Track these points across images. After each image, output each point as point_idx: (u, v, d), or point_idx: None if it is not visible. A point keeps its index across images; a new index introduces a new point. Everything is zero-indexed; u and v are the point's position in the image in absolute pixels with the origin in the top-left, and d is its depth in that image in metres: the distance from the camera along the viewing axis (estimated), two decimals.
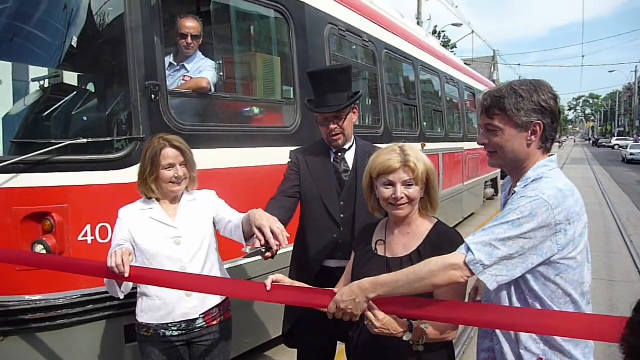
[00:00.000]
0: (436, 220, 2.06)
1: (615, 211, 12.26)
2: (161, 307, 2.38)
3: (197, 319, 2.43)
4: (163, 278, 2.21)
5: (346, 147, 2.81)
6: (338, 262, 2.69)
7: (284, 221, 2.60)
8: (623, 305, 5.58)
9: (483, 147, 1.81)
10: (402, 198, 1.94)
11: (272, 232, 2.04)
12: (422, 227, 2.02)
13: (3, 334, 2.76)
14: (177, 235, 2.39)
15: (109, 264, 2.11)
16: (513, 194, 1.72)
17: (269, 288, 1.90)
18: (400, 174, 1.94)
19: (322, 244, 2.73)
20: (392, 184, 1.95)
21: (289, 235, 2.10)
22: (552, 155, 1.77)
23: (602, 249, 8.32)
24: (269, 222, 2.08)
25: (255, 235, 2.11)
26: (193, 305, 2.40)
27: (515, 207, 1.59)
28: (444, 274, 1.60)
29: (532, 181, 1.67)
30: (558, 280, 1.62)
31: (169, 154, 2.39)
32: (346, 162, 2.81)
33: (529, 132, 1.69)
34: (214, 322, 2.49)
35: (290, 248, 2.91)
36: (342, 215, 2.73)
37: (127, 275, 2.10)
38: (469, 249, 1.59)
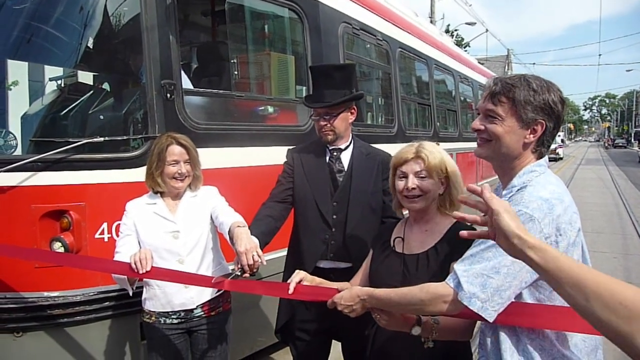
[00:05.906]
0: None
1: (632, 212, 12.08)
2: (161, 297, 2.52)
3: (194, 309, 2.55)
4: (177, 277, 2.38)
5: (342, 146, 2.72)
6: (331, 262, 2.64)
7: (270, 232, 2.58)
8: None
9: (476, 133, 1.67)
10: (414, 189, 1.94)
11: (248, 258, 2.12)
12: (442, 225, 1.99)
13: (22, 330, 2.80)
14: (176, 229, 2.50)
15: (131, 260, 2.27)
16: None
17: (291, 290, 1.96)
18: (412, 165, 1.96)
19: (314, 245, 2.66)
20: (405, 176, 1.97)
21: (264, 264, 2.16)
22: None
23: (618, 251, 8.17)
24: (246, 249, 2.13)
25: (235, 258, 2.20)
26: (190, 296, 2.53)
27: None
28: (434, 305, 1.56)
29: (517, 190, 1.57)
30: (552, 295, 1.51)
31: (175, 151, 2.50)
32: (341, 162, 2.72)
33: (529, 130, 1.58)
34: (213, 313, 2.61)
35: (284, 253, 2.88)
36: (334, 217, 2.65)
37: (148, 269, 2.25)
38: (458, 282, 1.52)
